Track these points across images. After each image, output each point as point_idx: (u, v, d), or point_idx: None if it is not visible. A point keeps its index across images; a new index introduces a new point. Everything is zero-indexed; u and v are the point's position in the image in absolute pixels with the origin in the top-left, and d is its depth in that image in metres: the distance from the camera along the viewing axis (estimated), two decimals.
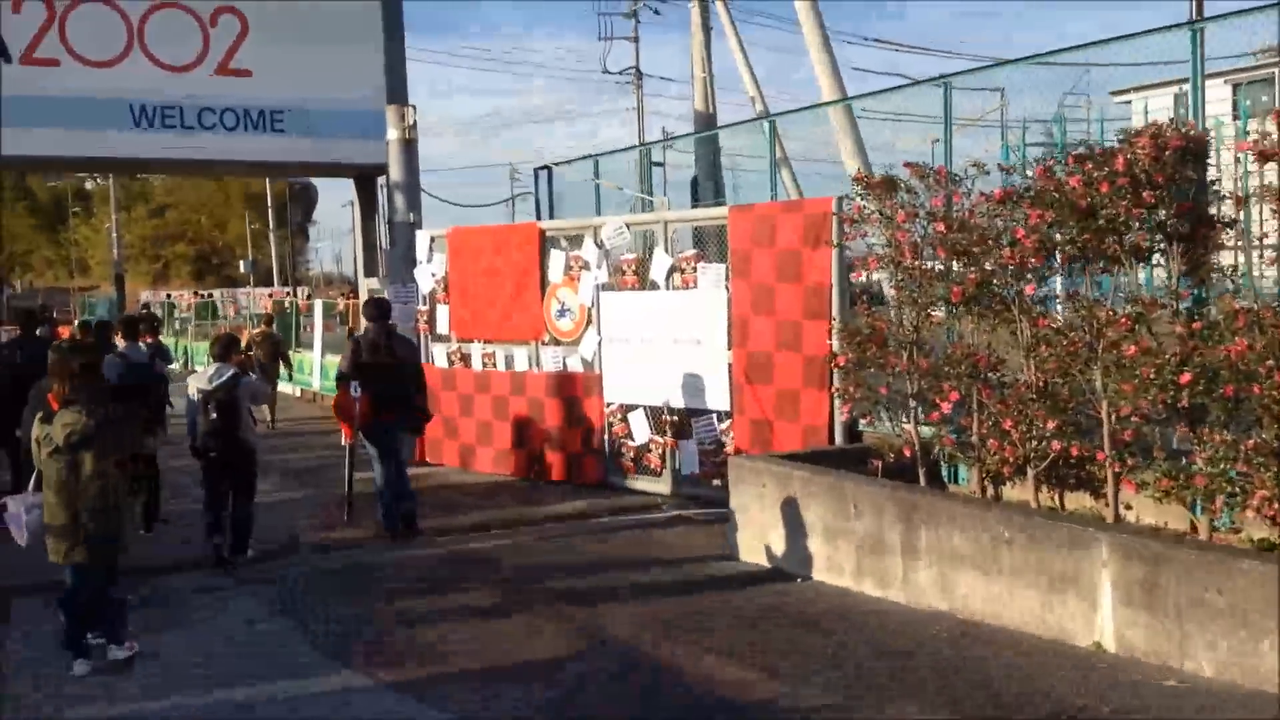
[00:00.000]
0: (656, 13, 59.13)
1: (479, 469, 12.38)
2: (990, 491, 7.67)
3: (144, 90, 15.07)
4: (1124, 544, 5.67)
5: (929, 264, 7.68)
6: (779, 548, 7.72)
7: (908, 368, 7.82)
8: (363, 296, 16.39)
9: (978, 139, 11.12)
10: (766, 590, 7.33)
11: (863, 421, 9.26)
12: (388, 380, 9.25)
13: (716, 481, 10.20)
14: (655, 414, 10.74)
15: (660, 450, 10.69)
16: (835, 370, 8.57)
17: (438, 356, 12.86)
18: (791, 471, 7.64)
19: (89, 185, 66.09)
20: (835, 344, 9.10)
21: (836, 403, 9.20)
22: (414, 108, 13.01)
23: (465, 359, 12.59)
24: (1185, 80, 7.51)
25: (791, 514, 7.58)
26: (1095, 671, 5.51)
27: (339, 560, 8.73)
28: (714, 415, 10.22)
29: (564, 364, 11.49)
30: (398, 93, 15.40)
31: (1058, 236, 6.86)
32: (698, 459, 10.36)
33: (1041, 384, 6.98)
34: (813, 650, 6.06)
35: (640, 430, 10.84)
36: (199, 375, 8.81)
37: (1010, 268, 7.08)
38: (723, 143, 15.80)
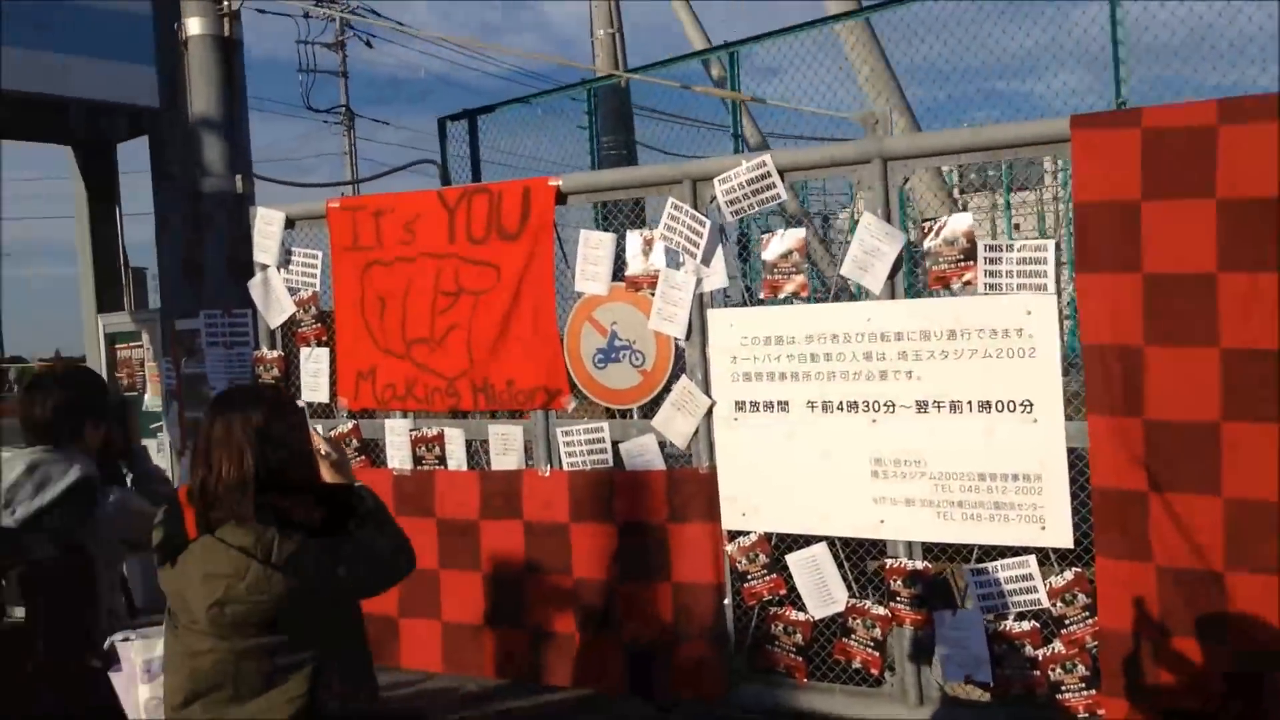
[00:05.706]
0: (369, 45, 53.09)
1: (406, 664, 6.29)
2: None
3: None
4: None
5: None
6: None
7: None
8: (92, 347, 9.63)
9: None
10: None
11: None
12: None
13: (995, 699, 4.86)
14: (855, 554, 5.24)
15: (880, 633, 5.17)
16: None
17: None
18: None
19: None
20: None
21: None
22: None
23: (368, 449, 6.50)
24: None
25: None
26: None
27: None
28: (1030, 559, 4.84)
29: (612, 455, 5.73)
30: None
31: None
32: (986, 652, 4.93)
33: None
34: None
35: (820, 589, 5.26)
36: None
37: None
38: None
